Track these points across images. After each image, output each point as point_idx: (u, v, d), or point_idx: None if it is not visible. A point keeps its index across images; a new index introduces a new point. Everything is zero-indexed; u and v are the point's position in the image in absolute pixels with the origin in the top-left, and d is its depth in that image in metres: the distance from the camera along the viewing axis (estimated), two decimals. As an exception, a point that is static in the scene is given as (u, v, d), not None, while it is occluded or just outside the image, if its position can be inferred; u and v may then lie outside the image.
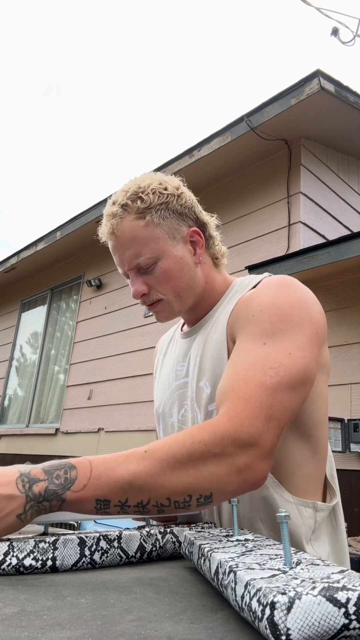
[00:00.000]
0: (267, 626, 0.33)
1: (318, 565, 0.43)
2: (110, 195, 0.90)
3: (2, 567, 0.54)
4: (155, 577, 0.54)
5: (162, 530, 0.65)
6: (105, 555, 0.59)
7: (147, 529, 0.65)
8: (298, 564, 0.43)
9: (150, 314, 4.89)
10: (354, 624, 0.33)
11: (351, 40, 3.86)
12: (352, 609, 0.33)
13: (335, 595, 0.33)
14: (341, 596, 0.33)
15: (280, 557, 0.46)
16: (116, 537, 0.60)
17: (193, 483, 0.61)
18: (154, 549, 0.63)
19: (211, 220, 0.95)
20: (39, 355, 6.35)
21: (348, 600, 0.33)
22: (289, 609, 0.32)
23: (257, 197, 4.04)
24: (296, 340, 0.71)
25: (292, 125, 3.74)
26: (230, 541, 0.57)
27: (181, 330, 1.01)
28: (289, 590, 0.34)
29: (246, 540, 0.57)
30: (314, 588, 0.34)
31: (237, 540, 0.57)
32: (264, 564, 0.44)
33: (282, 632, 0.32)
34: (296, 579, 0.38)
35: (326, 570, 0.41)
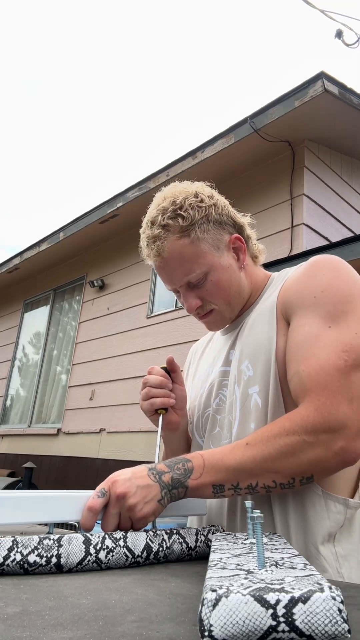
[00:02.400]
0: (197, 622, 0.33)
1: (291, 568, 0.42)
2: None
3: (6, 562, 0.53)
4: (157, 578, 0.54)
5: (168, 531, 0.65)
6: (111, 554, 0.58)
7: (153, 530, 0.65)
8: (274, 565, 0.43)
9: (154, 314, 4.89)
10: (282, 626, 0.32)
11: (355, 43, 3.87)
12: (280, 611, 0.32)
13: (264, 596, 0.33)
14: (271, 597, 0.33)
15: (271, 559, 0.46)
16: (122, 536, 0.60)
17: (295, 469, 0.69)
18: (160, 549, 0.62)
19: (245, 220, 0.95)
20: (41, 355, 6.36)
21: (278, 602, 0.32)
22: (214, 605, 0.32)
23: (260, 199, 4.04)
24: (358, 320, 0.75)
25: (295, 127, 3.74)
26: (244, 543, 0.57)
27: None
28: (220, 588, 0.34)
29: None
30: (247, 587, 0.34)
31: (250, 542, 0.57)
32: (242, 565, 0.44)
33: (205, 627, 0.32)
34: (249, 579, 0.37)
35: (291, 573, 0.40)
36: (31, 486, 4.88)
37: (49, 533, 0.63)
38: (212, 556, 0.49)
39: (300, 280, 0.82)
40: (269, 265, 3.17)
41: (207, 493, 0.70)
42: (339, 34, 3.85)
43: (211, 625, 0.32)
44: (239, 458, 0.69)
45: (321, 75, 3.36)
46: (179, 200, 0.85)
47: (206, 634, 0.32)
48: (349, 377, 0.70)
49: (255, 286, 0.94)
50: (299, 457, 0.68)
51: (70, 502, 0.64)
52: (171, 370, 0.92)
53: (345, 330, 0.73)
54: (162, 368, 0.92)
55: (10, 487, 4.86)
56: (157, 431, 0.88)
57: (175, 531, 0.65)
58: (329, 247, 2.94)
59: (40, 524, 0.90)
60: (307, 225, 3.65)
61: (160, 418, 0.88)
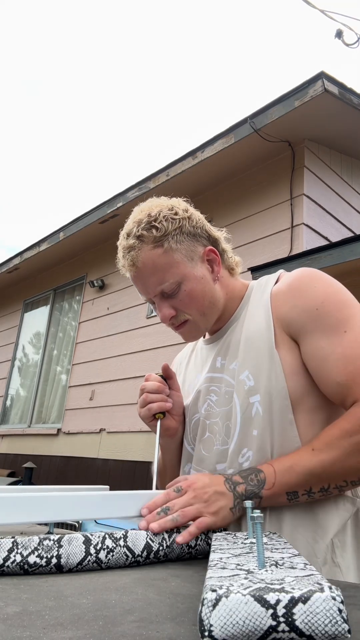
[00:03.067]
0: (197, 622, 0.33)
1: (291, 568, 0.42)
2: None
3: (6, 564, 0.52)
4: (157, 578, 0.54)
5: (168, 530, 0.65)
6: (111, 554, 0.58)
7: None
8: (274, 565, 0.43)
9: (154, 314, 4.89)
10: (282, 626, 0.32)
11: (355, 43, 3.87)
12: (280, 611, 0.32)
13: (264, 596, 0.33)
14: (271, 597, 0.33)
15: (271, 559, 0.46)
16: (122, 536, 0.60)
17: None
18: (160, 548, 0.62)
19: (221, 234, 0.98)
20: (42, 355, 6.36)
21: (278, 602, 0.32)
22: (214, 605, 0.32)
23: (261, 199, 4.04)
24: None
25: (295, 127, 3.74)
26: (244, 543, 0.57)
27: (204, 338, 1.04)
28: (220, 588, 0.34)
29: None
30: (247, 587, 0.34)
31: (250, 542, 0.57)
32: (242, 565, 0.44)
33: (205, 627, 0.32)
34: (249, 579, 0.37)
35: (291, 573, 0.40)
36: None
37: (49, 533, 0.63)
38: (212, 556, 0.49)
39: (293, 295, 0.85)
40: (269, 266, 3.17)
41: (282, 500, 0.75)
42: (339, 34, 3.85)
43: (211, 625, 0.32)
44: (308, 464, 0.73)
45: (321, 75, 3.36)
46: (153, 212, 0.88)
47: (206, 634, 0.32)
48: None
49: (231, 296, 0.95)
50: None
51: (73, 501, 0.64)
52: (167, 376, 0.94)
53: (358, 330, 0.79)
54: (159, 375, 0.94)
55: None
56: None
57: (175, 530, 0.65)
58: (329, 247, 2.94)
59: (40, 524, 0.90)
60: (307, 225, 3.65)
61: (158, 423, 0.89)
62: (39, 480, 5.37)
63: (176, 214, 0.89)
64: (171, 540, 0.64)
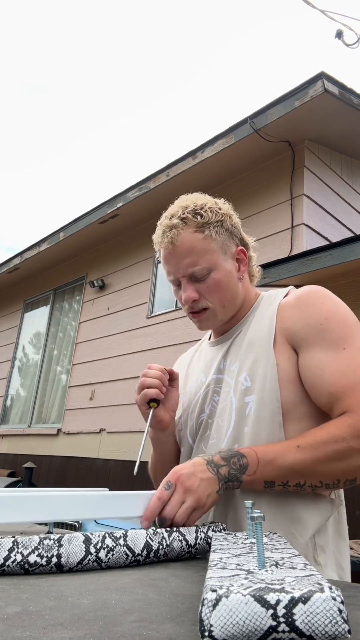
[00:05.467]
0: (197, 622, 0.33)
1: (291, 568, 0.42)
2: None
3: (7, 563, 0.52)
4: (157, 578, 0.54)
5: (168, 529, 0.65)
6: (111, 553, 0.58)
7: (152, 528, 0.65)
8: (274, 565, 0.43)
9: (154, 314, 4.89)
10: (283, 626, 0.32)
11: (355, 43, 3.87)
12: (281, 611, 0.32)
13: (265, 596, 0.33)
14: (271, 597, 0.33)
15: (271, 559, 0.46)
16: (122, 535, 0.60)
17: (341, 472, 0.77)
18: (160, 547, 0.62)
19: (250, 241, 1.05)
20: (42, 355, 6.36)
21: (278, 602, 0.32)
22: (214, 605, 0.32)
23: (261, 199, 4.04)
24: None
25: (295, 127, 3.74)
26: (244, 543, 0.57)
27: (208, 340, 1.09)
28: (220, 588, 0.34)
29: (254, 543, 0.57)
30: (247, 587, 0.34)
31: (250, 542, 0.57)
32: (242, 565, 0.44)
33: (205, 628, 0.32)
34: (249, 579, 0.37)
35: (291, 573, 0.40)
36: (31, 486, 4.88)
37: (49, 532, 0.63)
38: (212, 556, 0.49)
39: (300, 309, 0.89)
40: (269, 265, 3.17)
41: (259, 487, 0.78)
42: (339, 34, 3.85)
43: (211, 626, 0.32)
44: (291, 460, 0.76)
45: (321, 76, 3.36)
46: (199, 202, 0.94)
47: (206, 634, 0.32)
48: None
49: (247, 301, 1.01)
50: (347, 463, 0.76)
51: (73, 501, 0.64)
52: (169, 373, 0.97)
53: (356, 348, 0.83)
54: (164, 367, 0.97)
55: (10, 487, 4.86)
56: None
57: (175, 529, 0.66)
58: (329, 247, 2.94)
59: (40, 524, 0.90)
60: (307, 226, 3.65)
61: (151, 412, 0.91)
62: (39, 481, 5.37)
63: (220, 208, 0.95)
64: (171, 539, 0.64)
